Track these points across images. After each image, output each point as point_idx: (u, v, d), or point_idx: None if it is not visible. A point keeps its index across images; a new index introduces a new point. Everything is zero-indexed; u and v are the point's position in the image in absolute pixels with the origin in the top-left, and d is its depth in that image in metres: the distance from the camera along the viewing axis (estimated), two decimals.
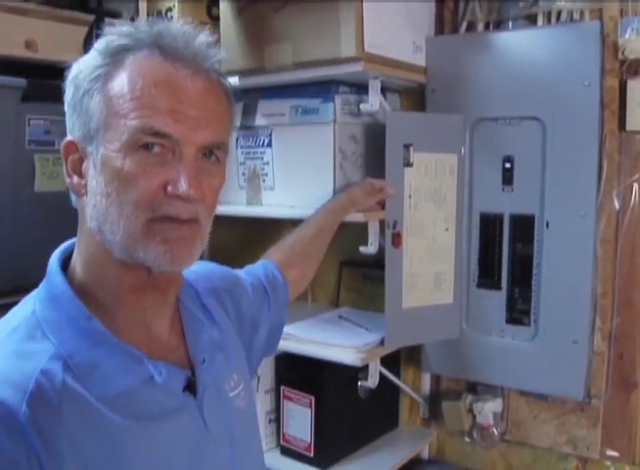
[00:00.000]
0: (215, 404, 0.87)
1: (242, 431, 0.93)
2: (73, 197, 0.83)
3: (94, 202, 0.76)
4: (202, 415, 0.84)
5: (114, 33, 0.79)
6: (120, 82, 0.75)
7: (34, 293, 0.81)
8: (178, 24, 0.79)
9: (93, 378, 0.73)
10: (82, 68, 0.78)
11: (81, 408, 0.71)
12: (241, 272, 1.15)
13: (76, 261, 0.81)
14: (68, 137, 0.80)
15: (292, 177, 1.62)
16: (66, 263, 0.82)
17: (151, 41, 0.77)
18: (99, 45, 0.78)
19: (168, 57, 0.77)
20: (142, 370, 0.78)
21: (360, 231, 1.50)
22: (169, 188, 0.74)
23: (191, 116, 0.76)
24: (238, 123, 1.66)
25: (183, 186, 0.74)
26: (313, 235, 1.36)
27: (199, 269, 1.00)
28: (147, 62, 0.76)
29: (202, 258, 0.89)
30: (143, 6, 1.67)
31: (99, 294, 0.79)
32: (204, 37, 0.80)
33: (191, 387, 0.84)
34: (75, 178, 0.79)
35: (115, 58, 0.76)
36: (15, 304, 1.40)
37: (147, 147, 0.74)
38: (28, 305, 0.78)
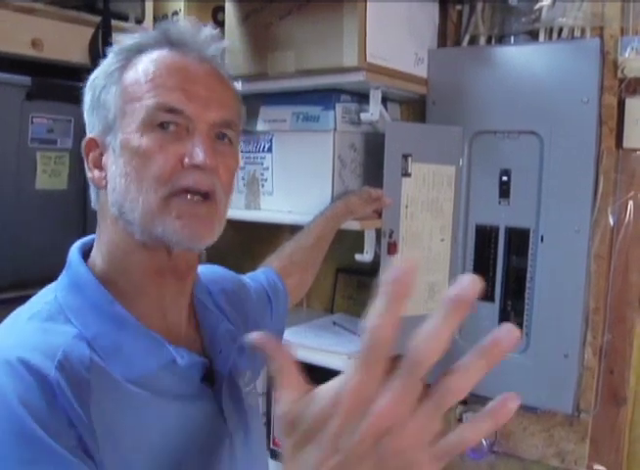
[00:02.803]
0: (231, 397, 0.88)
1: (254, 428, 0.95)
2: (93, 196, 0.86)
3: (113, 185, 0.80)
4: (219, 405, 0.85)
5: (128, 38, 0.84)
6: (134, 72, 0.81)
7: (52, 284, 0.83)
8: (184, 21, 0.86)
9: (117, 360, 0.75)
10: (99, 71, 0.84)
11: (107, 382, 0.73)
12: (245, 278, 1.16)
13: (97, 255, 0.83)
14: (89, 135, 0.84)
15: (290, 183, 1.63)
16: (84, 258, 0.84)
17: (160, 38, 0.83)
18: (114, 48, 0.84)
19: (178, 50, 0.82)
20: (164, 353, 0.80)
21: (356, 239, 1.51)
22: (186, 160, 0.78)
23: (202, 95, 0.80)
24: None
25: (199, 155, 0.77)
26: (311, 243, 1.37)
27: (207, 272, 1.01)
28: (158, 54, 0.82)
29: (200, 261, 0.91)
30: (150, 9, 1.69)
31: (121, 282, 0.81)
32: (208, 30, 0.85)
33: (208, 378, 0.85)
34: (96, 172, 0.83)
35: (129, 55, 0.82)
36: (16, 299, 1.41)
37: (162, 126, 0.78)
38: (49, 293, 0.80)
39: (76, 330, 0.74)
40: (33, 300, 0.81)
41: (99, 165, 0.83)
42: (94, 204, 0.87)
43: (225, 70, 0.87)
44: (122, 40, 0.84)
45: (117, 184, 0.79)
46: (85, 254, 0.85)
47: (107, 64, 0.83)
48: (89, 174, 0.84)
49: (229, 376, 0.89)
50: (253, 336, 0.54)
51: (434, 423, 0.44)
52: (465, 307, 0.43)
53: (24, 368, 0.67)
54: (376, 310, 0.44)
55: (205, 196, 0.79)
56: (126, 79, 0.80)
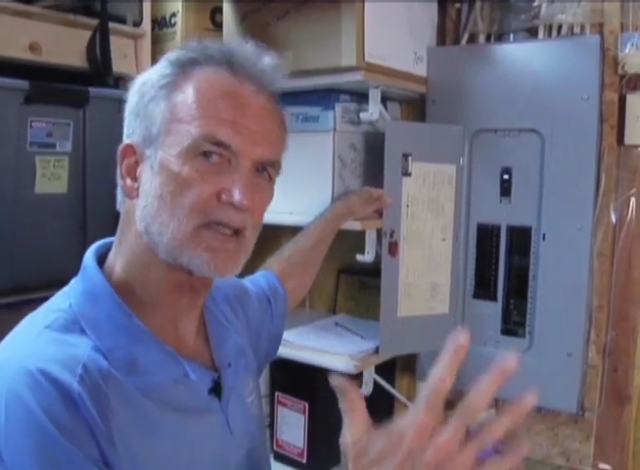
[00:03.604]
0: (237, 409, 0.89)
1: (258, 436, 0.96)
2: (120, 199, 0.85)
3: (145, 203, 0.79)
4: (226, 418, 0.86)
5: (186, 48, 0.82)
6: (187, 91, 0.78)
7: (65, 289, 0.82)
8: (248, 44, 0.83)
9: (132, 373, 0.75)
10: (150, 76, 0.81)
11: (124, 395, 0.73)
12: (246, 282, 1.16)
13: (115, 261, 0.83)
14: (126, 141, 0.82)
15: (291, 184, 1.60)
16: (99, 262, 0.84)
17: (221, 57, 0.80)
18: (170, 56, 0.82)
19: (236, 73, 0.80)
20: (178, 368, 0.81)
21: (358, 239, 1.50)
22: (223, 196, 0.76)
23: (252, 129, 0.78)
24: None
25: (237, 195, 0.76)
26: (311, 245, 1.37)
27: None
28: (214, 75, 0.79)
29: None
30: (147, 11, 1.68)
31: (138, 293, 0.81)
32: (270, 59, 0.83)
33: (216, 390, 0.86)
34: (129, 181, 0.81)
35: (185, 68, 0.80)
36: (15, 303, 1.41)
37: (206, 155, 0.76)
38: (63, 300, 0.80)
39: (92, 343, 0.74)
40: (47, 306, 0.81)
41: (132, 175, 0.81)
42: (119, 206, 0.85)
43: (280, 103, 0.86)
44: (180, 49, 0.82)
45: (150, 204, 0.78)
46: (101, 256, 0.85)
47: (160, 72, 0.80)
48: (120, 181, 0.83)
49: (236, 387, 0.90)
50: (334, 381, 0.65)
51: (475, 456, 0.58)
52: (506, 378, 0.60)
53: (46, 380, 0.67)
54: (440, 368, 0.60)
55: (236, 231, 0.79)
56: (178, 96, 0.78)
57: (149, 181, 0.78)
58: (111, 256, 0.84)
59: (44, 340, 0.73)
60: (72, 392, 0.67)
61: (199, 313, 0.90)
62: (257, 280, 1.20)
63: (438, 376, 0.60)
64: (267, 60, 0.83)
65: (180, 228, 0.76)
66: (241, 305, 1.06)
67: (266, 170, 0.82)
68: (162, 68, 0.81)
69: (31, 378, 0.67)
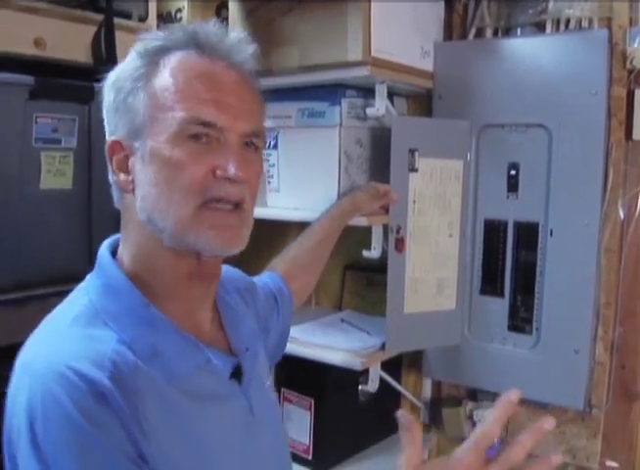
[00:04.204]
0: (258, 393, 0.91)
1: (276, 418, 0.99)
2: (116, 195, 0.86)
3: (142, 193, 0.80)
4: (248, 401, 0.88)
5: (151, 37, 0.83)
6: (163, 78, 0.79)
7: (83, 285, 0.84)
8: (211, 23, 0.83)
9: (156, 363, 0.76)
10: (123, 70, 0.82)
11: (151, 386, 0.74)
12: (254, 279, 1.17)
13: (123, 255, 0.84)
14: (112, 137, 0.82)
15: (297, 180, 1.62)
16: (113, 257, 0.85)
17: (187, 40, 0.81)
18: (138, 48, 0.82)
19: (205, 53, 0.81)
20: (200, 355, 0.82)
21: (365, 235, 1.50)
22: (218, 172, 0.78)
23: (232, 105, 0.80)
24: None
25: (232, 169, 0.78)
26: (317, 243, 1.36)
27: (223, 270, 1.01)
28: (185, 58, 0.81)
29: None
30: (153, 6, 1.68)
31: (151, 283, 0.82)
32: (235, 34, 0.84)
33: (236, 374, 0.87)
34: (122, 176, 0.82)
35: (155, 58, 0.81)
36: (19, 299, 1.41)
37: (194, 137, 0.78)
38: (82, 296, 0.81)
39: (116, 335, 0.75)
40: (67, 305, 0.82)
41: (125, 169, 0.82)
42: (117, 203, 0.86)
43: (253, 74, 0.86)
44: (145, 39, 0.82)
45: (147, 193, 0.79)
46: (113, 252, 0.86)
47: (131, 65, 0.81)
48: (113, 178, 0.84)
49: (255, 371, 0.92)
50: (400, 415, 0.76)
51: None
52: (543, 435, 0.71)
53: (77, 377, 0.68)
54: (492, 417, 0.73)
55: (236, 205, 0.81)
56: (155, 85, 0.79)
57: (142, 172, 0.79)
58: (120, 250, 0.85)
59: (70, 337, 0.74)
60: (104, 387, 0.69)
61: (212, 302, 0.91)
62: (264, 279, 1.21)
63: (489, 423, 0.72)
64: (232, 35, 0.83)
65: (181, 211, 0.78)
66: (251, 297, 1.08)
67: (252, 142, 0.84)
68: (133, 60, 0.82)
69: (63, 376, 0.68)
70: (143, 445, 0.70)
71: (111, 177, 0.84)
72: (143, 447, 0.70)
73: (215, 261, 0.86)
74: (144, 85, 0.79)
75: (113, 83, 0.83)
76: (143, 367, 0.74)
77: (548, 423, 0.71)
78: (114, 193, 0.86)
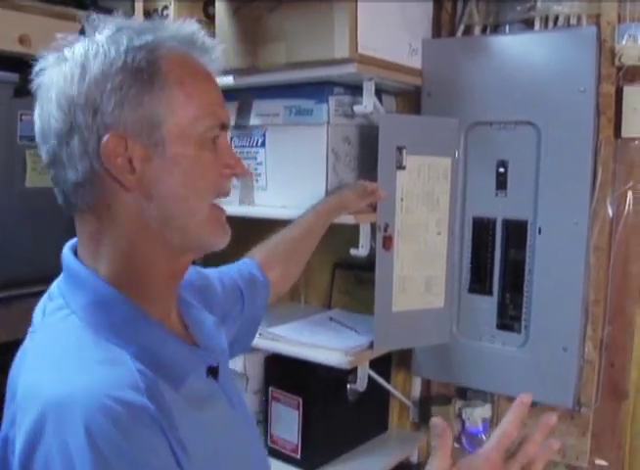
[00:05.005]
0: (230, 386, 0.92)
1: (247, 408, 0.99)
2: (92, 194, 0.75)
3: (160, 194, 0.75)
4: (227, 396, 0.88)
5: (135, 32, 0.77)
6: (172, 80, 0.75)
7: (58, 303, 0.77)
8: (188, 22, 0.81)
9: (163, 372, 0.74)
10: (111, 64, 0.74)
11: (171, 397, 0.72)
12: (212, 271, 1.14)
13: (96, 263, 0.77)
14: (115, 132, 0.73)
15: (284, 178, 1.61)
16: None
17: (182, 39, 0.79)
18: (133, 43, 0.75)
19: (195, 52, 0.81)
20: (194, 359, 0.83)
21: (354, 233, 1.49)
22: (228, 171, 0.82)
23: (222, 98, 0.83)
24: (232, 122, 1.65)
25: (241, 167, 0.83)
26: (300, 236, 1.36)
27: None
28: (180, 57, 0.78)
29: (194, 263, 0.91)
30: (140, 4, 1.67)
31: (136, 288, 0.77)
32: (193, 22, 0.82)
33: (212, 371, 0.87)
34: (126, 173, 0.74)
35: (150, 54, 0.75)
36: (8, 298, 1.40)
37: (214, 139, 0.80)
38: (65, 316, 0.75)
39: (124, 350, 0.72)
40: (52, 329, 0.75)
41: (128, 167, 0.74)
42: (88, 204, 0.76)
43: None
44: (132, 33, 0.76)
45: (168, 193, 0.76)
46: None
47: (127, 59, 0.73)
48: (106, 173, 0.74)
49: (225, 365, 0.92)
50: (433, 422, 0.81)
51: None
52: (550, 432, 0.82)
53: (120, 405, 0.64)
54: (508, 419, 0.81)
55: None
56: (166, 86, 0.74)
57: (161, 173, 0.75)
58: (84, 256, 0.79)
59: (86, 364, 0.69)
60: (148, 410, 0.66)
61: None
62: (229, 269, 1.19)
63: (509, 425, 0.81)
64: (193, 24, 0.81)
65: (202, 211, 0.79)
66: (205, 290, 1.06)
67: None
68: (124, 53, 0.74)
69: (106, 408, 0.63)
70: (183, 460, 0.68)
71: (87, 172, 0.74)
72: (184, 464, 0.68)
73: (190, 258, 0.86)
74: (150, 84, 0.74)
75: (102, 72, 0.73)
76: (159, 381, 0.72)
77: (552, 419, 0.82)
78: (86, 191, 0.75)
